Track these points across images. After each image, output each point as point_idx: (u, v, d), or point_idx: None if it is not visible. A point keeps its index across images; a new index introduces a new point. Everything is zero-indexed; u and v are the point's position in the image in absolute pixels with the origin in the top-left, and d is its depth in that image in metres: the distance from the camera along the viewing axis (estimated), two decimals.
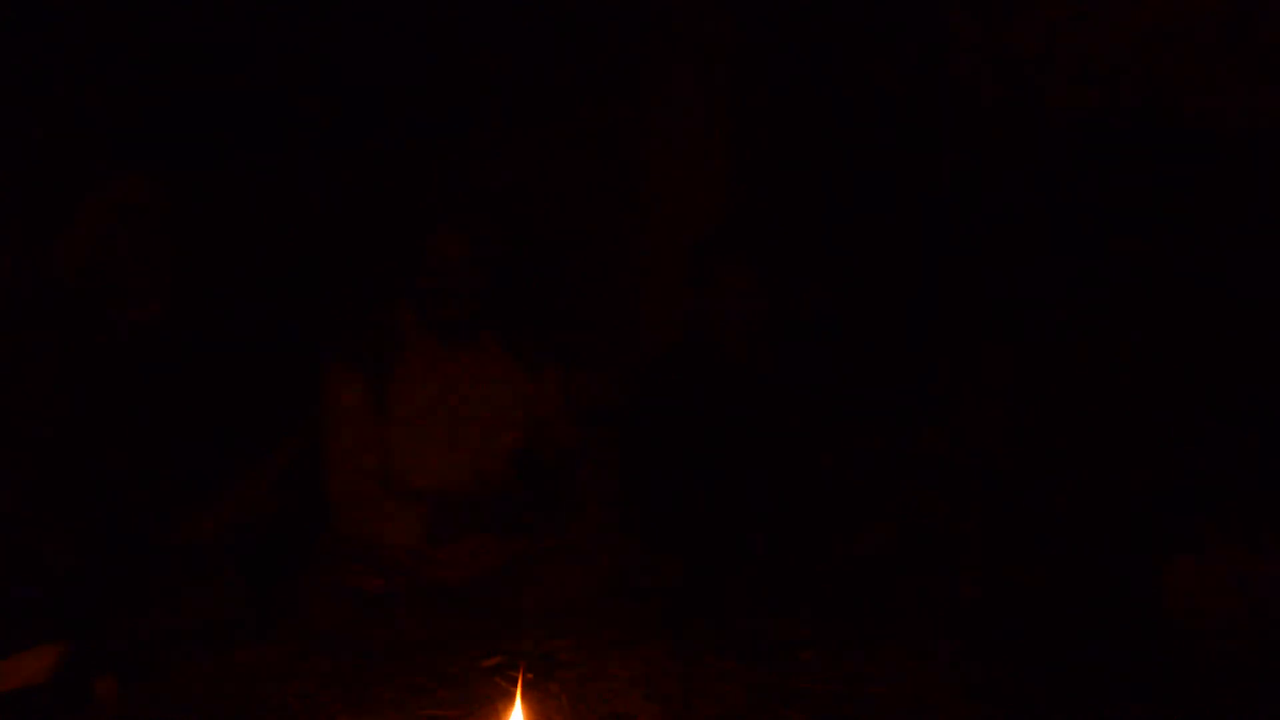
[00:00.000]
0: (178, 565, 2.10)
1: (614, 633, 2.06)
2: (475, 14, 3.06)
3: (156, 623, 1.99)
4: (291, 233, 2.93)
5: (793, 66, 3.19)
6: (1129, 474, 2.53)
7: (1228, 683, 1.90)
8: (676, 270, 2.72)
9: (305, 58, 2.93)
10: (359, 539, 2.24)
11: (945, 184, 3.09)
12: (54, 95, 2.56)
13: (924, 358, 2.87)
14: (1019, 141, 3.01)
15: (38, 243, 2.09)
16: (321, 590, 2.16)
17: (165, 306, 2.15)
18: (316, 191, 2.97)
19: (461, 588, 2.21)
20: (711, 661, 1.96)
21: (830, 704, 1.81)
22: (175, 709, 1.79)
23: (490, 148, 3.08)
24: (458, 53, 3.09)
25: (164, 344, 2.18)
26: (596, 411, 2.62)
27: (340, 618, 2.11)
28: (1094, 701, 1.82)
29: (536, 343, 2.45)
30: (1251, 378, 2.65)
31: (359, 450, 2.24)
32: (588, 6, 3.13)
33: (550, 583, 2.20)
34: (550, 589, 2.19)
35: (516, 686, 1.77)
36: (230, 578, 2.14)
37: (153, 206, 2.14)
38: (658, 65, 3.15)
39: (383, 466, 2.26)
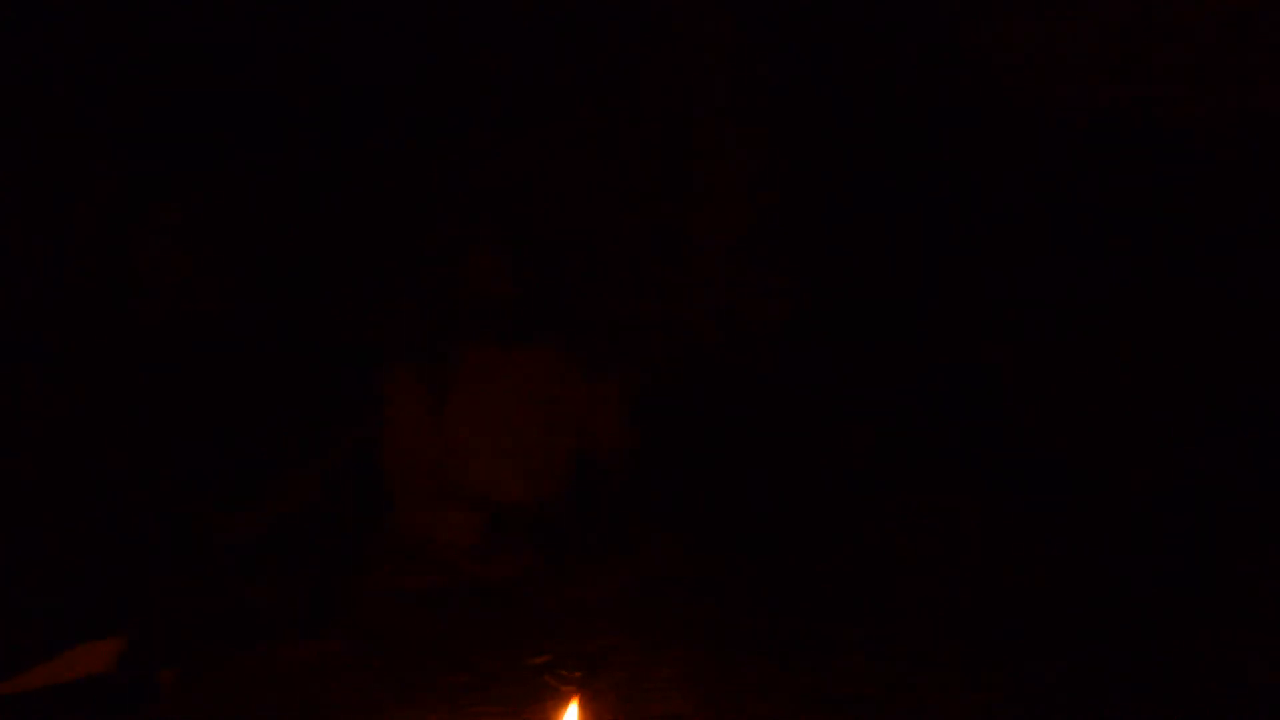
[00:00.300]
0: (236, 560, 2.15)
1: (661, 632, 2.06)
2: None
3: (214, 616, 2.04)
4: (349, 235, 2.98)
5: (819, 70, 3.19)
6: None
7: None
8: (716, 272, 2.72)
9: (361, 65, 2.97)
10: (412, 537, 2.28)
11: (958, 184, 3.08)
12: (119, 109, 2.63)
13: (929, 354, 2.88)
14: (1022, 143, 3.00)
15: (107, 247, 2.15)
16: (374, 587, 2.20)
17: (224, 309, 2.21)
18: (375, 195, 3.02)
19: (511, 586, 2.24)
20: (757, 662, 1.96)
21: (874, 708, 1.82)
22: (233, 700, 1.82)
23: (541, 152, 3.11)
24: (501, 54, 3.13)
25: (222, 344, 2.24)
26: (644, 412, 2.63)
27: (392, 614, 2.14)
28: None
29: (588, 345, 2.47)
30: None
31: (416, 449, 2.28)
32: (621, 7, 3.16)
33: (598, 582, 2.22)
34: (598, 588, 2.21)
35: (566, 685, 1.80)
36: (285, 573, 2.18)
37: (208, 215, 2.20)
38: (699, 69, 3.17)
39: (439, 466, 2.29)
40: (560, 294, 2.44)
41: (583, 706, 1.40)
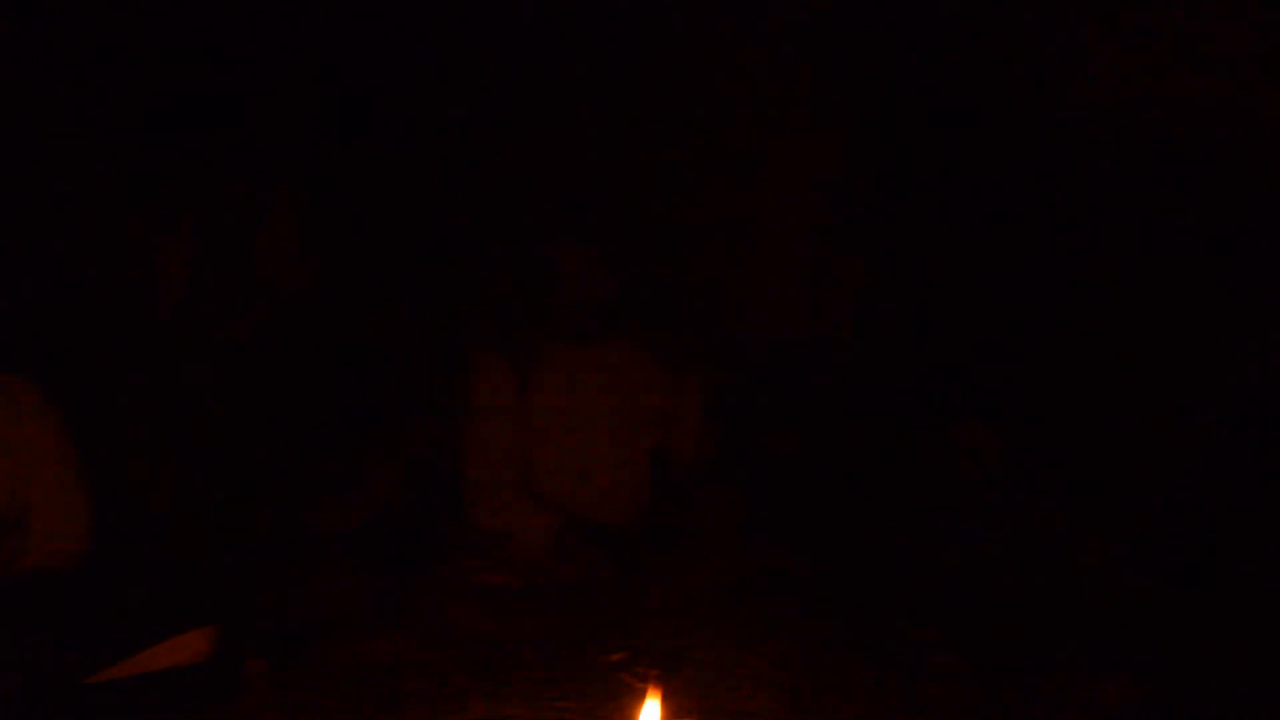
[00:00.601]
0: (319, 554, 2.19)
1: (741, 631, 2.04)
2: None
3: (298, 610, 2.08)
4: (436, 229, 3.02)
5: (895, 67, 3.16)
6: None
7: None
8: (794, 270, 2.70)
9: (454, 61, 3.02)
10: (491, 533, 2.30)
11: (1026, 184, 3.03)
12: (212, 110, 2.71)
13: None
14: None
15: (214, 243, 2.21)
16: (453, 582, 2.22)
17: (310, 305, 2.26)
18: (461, 190, 3.06)
19: (590, 584, 2.24)
20: (841, 663, 1.93)
21: (963, 712, 1.77)
22: (318, 692, 1.86)
23: (626, 150, 3.13)
24: (596, 53, 3.15)
25: (306, 342, 2.28)
26: (725, 410, 2.62)
27: (471, 610, 2.15)
28: None
29: (670, 344, 2.47)
30: None
31: (496, 447, 2.30)
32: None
33: (678, 580, 2.21)
34: (678, 586, 2.20)
35: (645, 683, 1.79)
36: (366, 567, 2.21)
37: (298, 211, 2.24)
38: (778, 68, 3.15)
39: (519, 463, 2.31)
40: (644, 293, 2.43)
41: (662, 704, 1.38)
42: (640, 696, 1.40)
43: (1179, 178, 2.86)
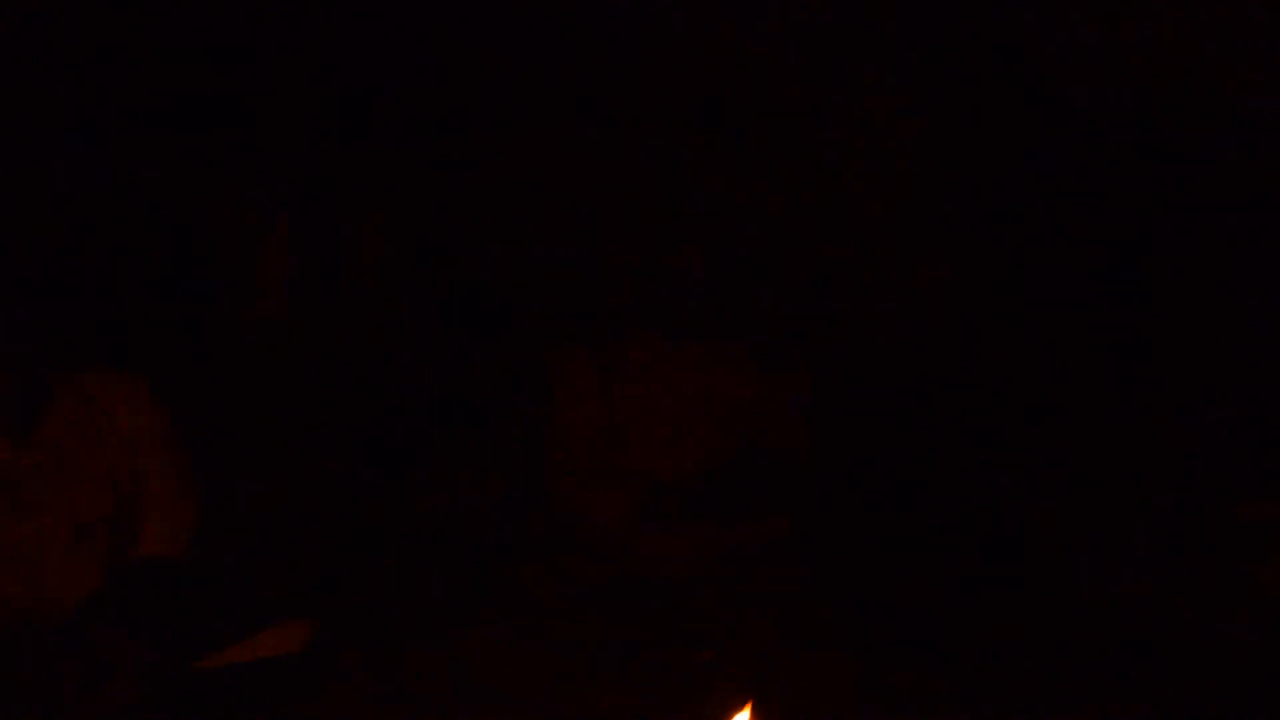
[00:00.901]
0: (413, 546, 2.23)
1: (832, 632, 2.01)
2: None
3: (393, 601, 2.12)
4: (522, 221, 3.04)
5: (982, 61, 3.06)
6: None
7: None
8: (879, 265, 2.66)
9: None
10: (578, 524, 2.31)
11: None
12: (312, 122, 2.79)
13: None
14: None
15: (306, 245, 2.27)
16: (540, 573, 2.23)
17: (402, 301, 2.30)
18: (551, 183, 3.08)
19: (677, 578, 2.23)
20: (938, 673, 1.88)
21: None
22: (410, 681, 1.90)
23: (708, 148, 3.10)
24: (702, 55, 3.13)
25: (403, 335, 2.33)
26: (814, 406, 2.58)
27: (558, 601, 2.17)
28: None
29: (759, 338, 2.44)
30: None
31: (583, 438, 2.30)
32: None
33: (766, 578, 2.18)
34: (766, 585, 2.17)
35: (733, 683, 1.77)
36: (455, 557, 2.25)
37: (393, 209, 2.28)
38: (850, 62, 3.09)
39: (605, 455, 2.31)
40: (735, 289, 2.41)
41: (754, 711, 1.36)
42: (728, 698, 1.38)
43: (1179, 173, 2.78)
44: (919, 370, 2.44)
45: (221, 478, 2.10)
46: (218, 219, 2.59)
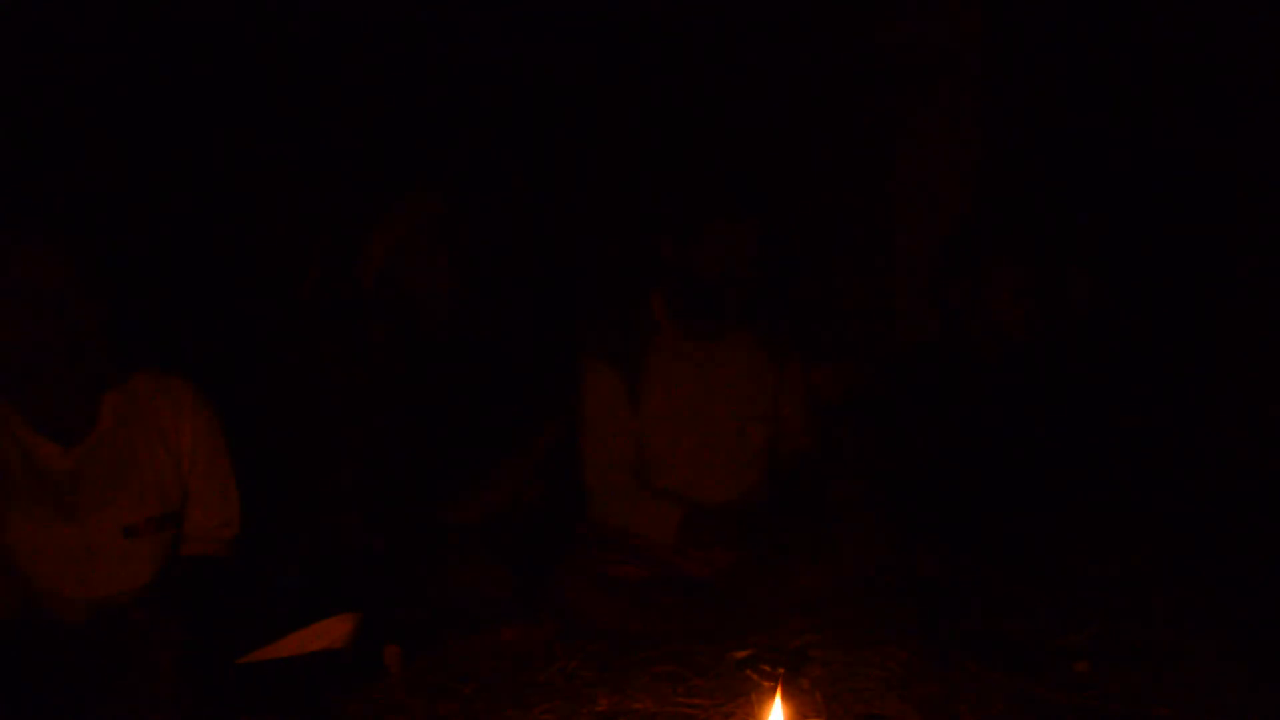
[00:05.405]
0: (454, 547, 2.25)
1: (867, 631, 2.00)
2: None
3: (432, 600, 2.15)
4: (549, 231, 3.08)
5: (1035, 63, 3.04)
6: None
7: None
8: (928, 265, 2.65)
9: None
10: (612, 527, 2.32)
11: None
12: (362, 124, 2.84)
13: None
14: None
15: (349, 250, 2.31)
16: (577, 576, 2.24)
17: (449, 307, 2.33)
18: (577, 192, 3.11)
19: (712, 579, 2.23)
20: (972, 666, 1.87)
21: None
22: (452, 679, 1.92)
23: (745, 146, 3.11)
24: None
25: (444, 342, 2.35)
26: (850, 406, 2.58)
27: (595, 603, 2.17)
28: None
29: (788, 339, 2.44)
30: None
31: (612, 442, 2.31)
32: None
33: (801, 577, 2.17)
34: (802, 584, 2.17)
35: (769, 680, 1.78)
36: (495, 560, 2.26)
37: (440, 217, 2.31)
38: (912, 62, 3.08)
39: (635, 458, 2.32)
40: (767, 286, 2.40)
41: (786, 704, 1.37)
42: (766, 694, 1.39)
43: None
44: (973, 372, 2.46)
45: (267, 480, 2.14)
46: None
